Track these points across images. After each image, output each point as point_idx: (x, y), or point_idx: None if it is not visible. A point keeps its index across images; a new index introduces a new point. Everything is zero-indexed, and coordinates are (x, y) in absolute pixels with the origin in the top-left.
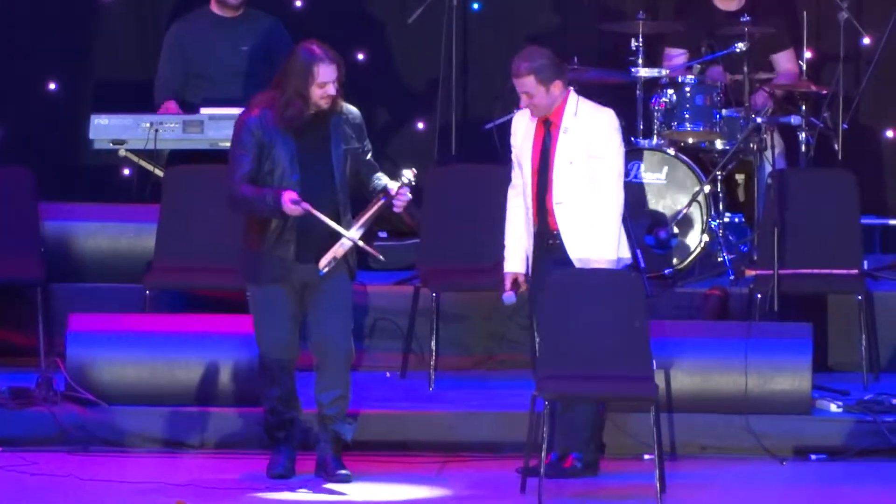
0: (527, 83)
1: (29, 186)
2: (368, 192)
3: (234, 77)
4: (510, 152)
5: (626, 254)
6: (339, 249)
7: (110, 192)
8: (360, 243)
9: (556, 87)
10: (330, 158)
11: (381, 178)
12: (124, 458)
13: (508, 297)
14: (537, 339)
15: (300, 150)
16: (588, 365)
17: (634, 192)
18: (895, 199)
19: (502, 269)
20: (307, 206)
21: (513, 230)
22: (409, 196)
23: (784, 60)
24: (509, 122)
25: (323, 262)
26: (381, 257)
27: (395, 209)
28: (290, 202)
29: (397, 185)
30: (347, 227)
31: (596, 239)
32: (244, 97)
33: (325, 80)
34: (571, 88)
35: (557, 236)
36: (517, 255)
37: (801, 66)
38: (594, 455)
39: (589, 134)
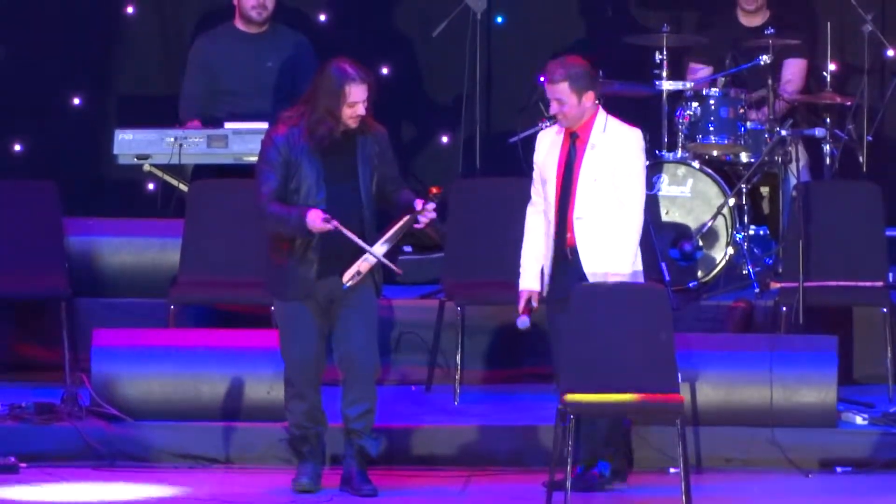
0: (560, 89)
1: (53, 201)
2: (394, 208)
3: (258, 92)
4: (532, 170)
5: (640, 268)
6: (363, 264)
7: (135, 207)
8: (384, 259)
9: (588, 97)
10: (357, 176)
11: (407, 195)
12: (150, 474)
13: (523, 322)
14: (554, 353)
15: (327, 168)
16: (613, 378)
17: (659, 205)
18: None
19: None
20: (336, 223)
21: (529, 248)
22: (434, 213)
23: (790, 67)
24: (534, 135)
25: (346, 276)
26: (398, 271)
27: (419, 226)
28: (321, 220)
29: (423, 201)
30: (373, 244)
31: (612, 256)
32: (269, 112)
33: (355, 100)
34: (600, 105)
35: (575, 251)
36: (532, 272)
37: (824, 77)
38: (622, 463)
39: (616, 152)
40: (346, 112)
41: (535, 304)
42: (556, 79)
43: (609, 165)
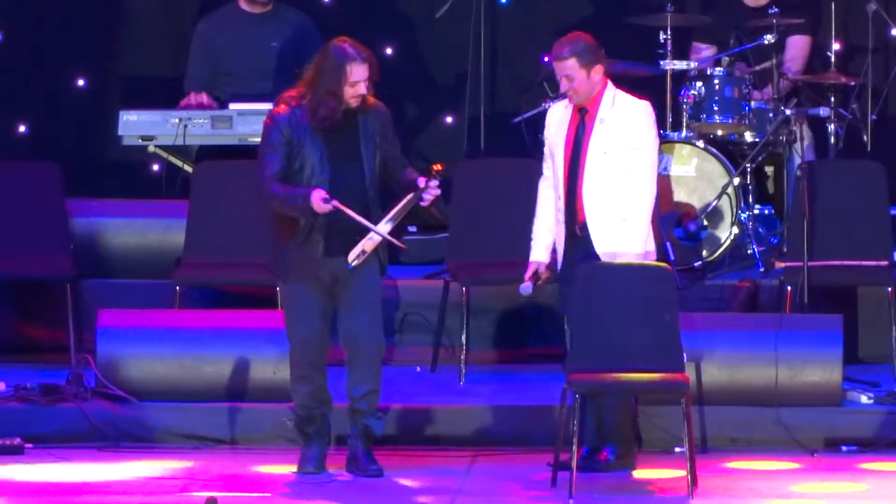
0: (568, 66)
1: (58, 183)
2: (398, 187)
3: (262, 73)
4: (543, 145)
5: (650, 247)
6: (368, 243)
7: (139, 188)
8: (389, 237)
9: (597, 71)
10: (359, 155)
11: (411, 173)
12: (155, 454)
13: (525, 287)
14: (568, 333)
15: (329, 148)
16: (618, 358)
17: (664, 185)
18: None
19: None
20: (337, 203)
21: (541, 221)
22: (439, 190)
23: (794, 44)
24: (538, 115)
25: (352, 255)
26: (403, 246)
27: (423, 203)
28: (321, 200)
29: (426, 179)
30: (377, 223)
31: (623, 232)
32: (273, 93)
33: (357, 80)
34: (609, 80)
35: (585, 227)
36: (543, 245)
37: (829, 57)
38: (629, 448)
39: (625, 125)
40: (348, 91)
41: (542, 274)
42: (563, 55)
43: (618, 139)
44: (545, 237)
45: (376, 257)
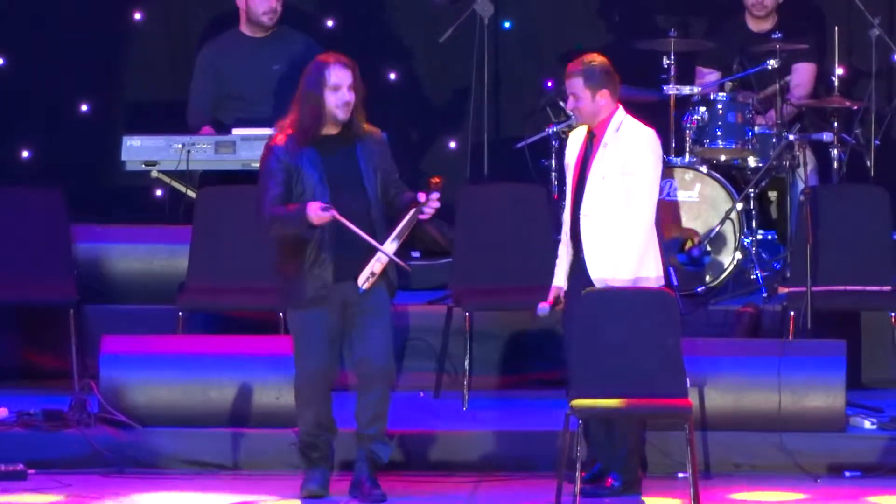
0: (575, 84)
1: (61, 208)
2: (397, 211)
3: (266, 97)
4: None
5: (647, 273)
6: (375, 264)
7: (143, 214)
8: (395, 258)
9: (603, 95)
10: (361, 179)
11: (409, 194)
12: (158, 480)
13: (542, 308)
14: (568, 357)
15: (328, 170)
16: (622, 383)
17: (667, 210)
18: None
19: (535, 288)
20: (334, 211)
21: (565, 245)
22: (438, 203)
23: (800, 71)
24: (541, 140)
25: (361, 278)
26: (407, 268)
27: (424, 216)
28: (319, 209)
29: (426, 193)
30: (383, 242)
31: (615, 256)
32: (276, 117)
33: (338, 83)
34: (620, 105)
35: (581, 250)
36: (564, 269)
37: (832, 82)
38: (634, 474)
39: (626, 151)
40: (331, 99)
41: (561, 301)
42: (572, 73)
43: (618, 164)
44: (567, 262)
45: (385, 280)
